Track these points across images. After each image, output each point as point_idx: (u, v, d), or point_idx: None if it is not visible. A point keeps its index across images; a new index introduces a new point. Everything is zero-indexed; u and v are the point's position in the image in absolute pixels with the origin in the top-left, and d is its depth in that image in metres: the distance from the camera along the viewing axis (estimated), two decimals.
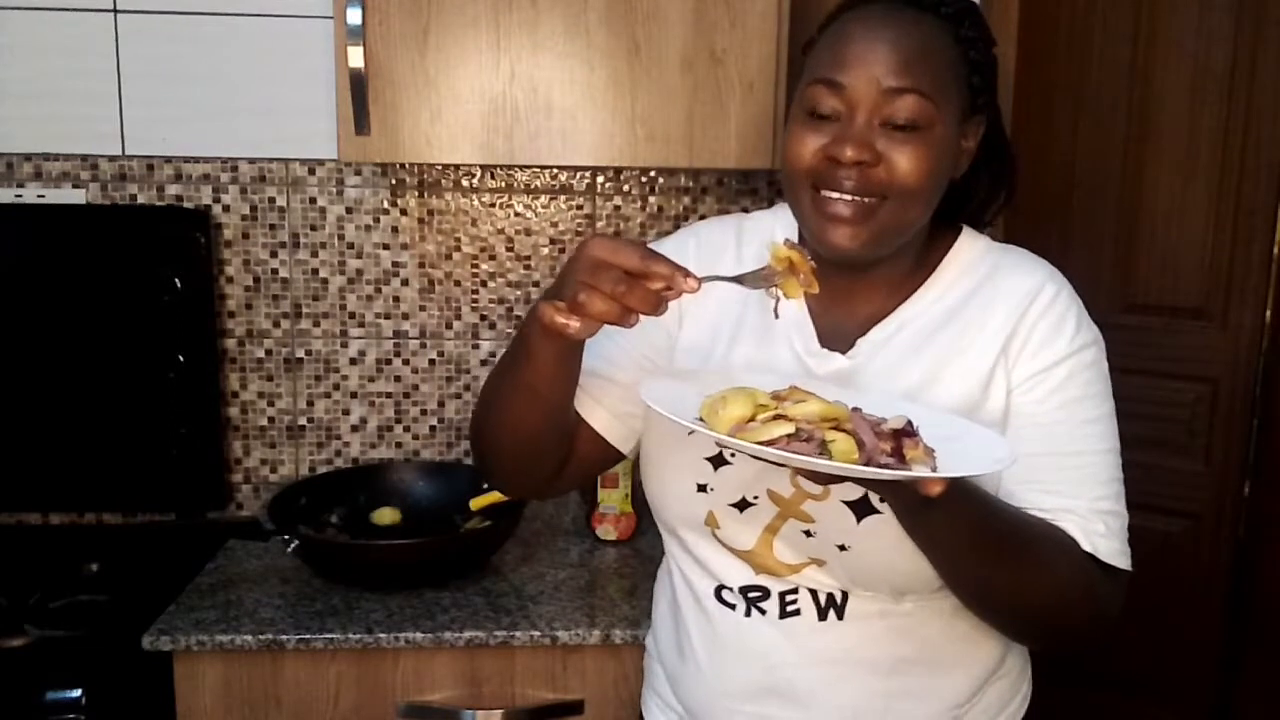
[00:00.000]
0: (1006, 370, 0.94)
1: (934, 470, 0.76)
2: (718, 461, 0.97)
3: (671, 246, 1.05)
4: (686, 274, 0.77)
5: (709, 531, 1.00)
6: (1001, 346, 0.94)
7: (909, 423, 0.79)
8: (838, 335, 0.99)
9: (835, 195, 0.90)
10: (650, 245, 1.03)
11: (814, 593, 0.96)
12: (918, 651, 0.97)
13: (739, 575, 0.99)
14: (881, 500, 0.90)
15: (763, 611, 0.98)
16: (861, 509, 0.92)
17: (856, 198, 0.89)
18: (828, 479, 0.79)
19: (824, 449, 0.75)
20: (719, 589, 1.01)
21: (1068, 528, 0.91)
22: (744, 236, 1.06)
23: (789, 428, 0.76)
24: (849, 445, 0.76)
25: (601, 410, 1.02)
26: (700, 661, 1.04)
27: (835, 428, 0.77)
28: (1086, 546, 0.91)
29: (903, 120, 0.89)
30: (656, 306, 0.77)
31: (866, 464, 0.74)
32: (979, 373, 0.94)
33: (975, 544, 0.87)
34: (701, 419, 0.81)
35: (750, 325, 1.02)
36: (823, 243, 0.92)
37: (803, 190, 0.92)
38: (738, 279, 0.86)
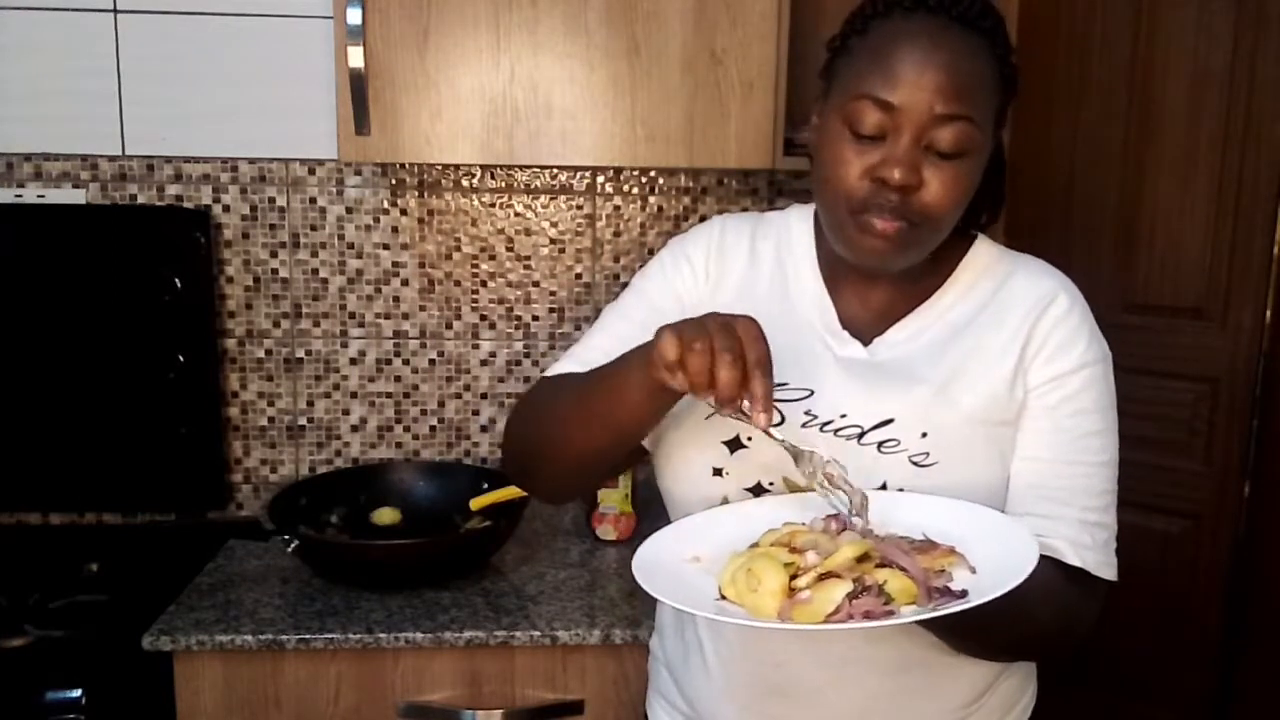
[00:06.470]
0: (1024, 372, 0.96)
1: (972, 569, 0.79)
2: (734, 445, 0.97)
3: (699, 234, 1.09)
4: (768, 410, 0.78)
5: None
6: (1020, 349, 0.96)
7: (924, 534, 0.82)
8: (854, 320, 1.02)
9: (874, 219, 0.91)
10: (681, 236, 1.10)
11: None
12: (924, 650, 0.97)
13: None
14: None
15: None
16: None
17: (896, 222, 0.90)
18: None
19: (882, 593, 0.76)
20: None
21: (1056, 544, 0.93)
22: (758, 234, 1.09)
23: (847, 585, 0.76)
24: (904, 583, 0.76)
25: None
26: (708, 660, 1.04)
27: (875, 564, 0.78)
28: (1074, 560, 0.93)
29: (948, 149, 0.89)
30: (732, 399, 0.78)
31: (928, 594, 0.76)
32: (1002, 372, 0.96)
33: (979, 625, 0.88)
34: (724, 595, 0.80)
35: (776, 301, 1.04)
36: (860, 261, 0.95)
37: (841, 210, 0.93)
38: (795, 456, 0.85)
